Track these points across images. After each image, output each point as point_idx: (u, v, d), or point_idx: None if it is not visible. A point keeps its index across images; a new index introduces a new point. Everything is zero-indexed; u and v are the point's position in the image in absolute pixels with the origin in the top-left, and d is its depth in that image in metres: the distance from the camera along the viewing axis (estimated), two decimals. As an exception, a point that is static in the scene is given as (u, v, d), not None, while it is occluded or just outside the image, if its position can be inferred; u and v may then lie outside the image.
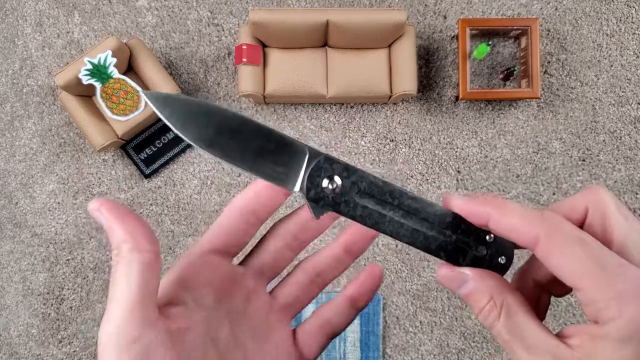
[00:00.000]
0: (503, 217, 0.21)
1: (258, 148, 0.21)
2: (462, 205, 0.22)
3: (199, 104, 0.21)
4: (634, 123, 0.86)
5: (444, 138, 0.86)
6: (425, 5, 0.87)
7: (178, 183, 0.85)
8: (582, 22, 0.86)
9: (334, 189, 0.22)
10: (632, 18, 0.86)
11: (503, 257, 0.23)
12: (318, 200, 0.22)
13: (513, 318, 0.20)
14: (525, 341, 0.20)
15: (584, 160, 0.85)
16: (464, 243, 0.23)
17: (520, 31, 0.82)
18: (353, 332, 0.82)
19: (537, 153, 0.85)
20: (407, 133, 0.86)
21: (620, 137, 0.85)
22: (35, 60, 0.86)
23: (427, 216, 0.23)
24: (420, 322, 0.83)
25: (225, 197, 0.85)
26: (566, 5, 0.87)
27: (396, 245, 0.85)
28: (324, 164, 0.22)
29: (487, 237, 0.23)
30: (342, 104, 0.86)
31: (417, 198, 0.23)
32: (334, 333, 0.26)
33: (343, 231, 0.26)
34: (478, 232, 0.23)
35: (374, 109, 0.86)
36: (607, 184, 0.85)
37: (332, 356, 0.82)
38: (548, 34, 0.86)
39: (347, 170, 0.22)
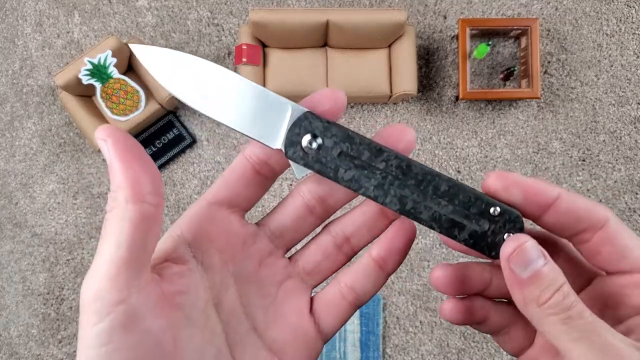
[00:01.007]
0: (574, 196, 0.20)
1: (240, 102, 0.20)
2: (527, 178, 0.20)
3: (183, 56, 0.20)
4: (634, 123, 0.86)
5: (444, 138, 0.86)
6: (425, 5, 0.87)
7: (178, 183, 0.85)
8: (582, 22, 0.86)
9: (315, 148, 0.20)
10: (632, 18, 0.86)
11: (510, 233, 0.21)
12: (298, 160, 0.21)
13: (583, 305, 0.19)
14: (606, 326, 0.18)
15: (584, 160, 0.85)
16: (463, 215, 0.21)
17: (520, 31, 0.82)
18: (353, 332, 0.82)
19: (537, 153, 0.86)
20: (407, 133, 0.86)
21: (620, 137, 0.85)
22: (35, 60, 0.86)
23: (419, 182, 0.21)
24: (420, 322, 0.83)
25: (225, 197, 0.85)
26: (566, 5, 0.87)
27: (396, 245, 0.85)
28: (305, 121, 0.20)
29: (492, 210, 0.20)
30: (342, 104, 0.86)
31: (409, 161, 0.21)
32: (358, 302, 0.22)
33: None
34: (480, 203, 0.21)
35: (374, 109, 0.86)
36: (607, 184, 0.85)
37: (332, 356, 0.82)
38: (548, 34, 0.86)
39: (329, 129, 0.21)
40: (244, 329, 0.21)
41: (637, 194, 0.85)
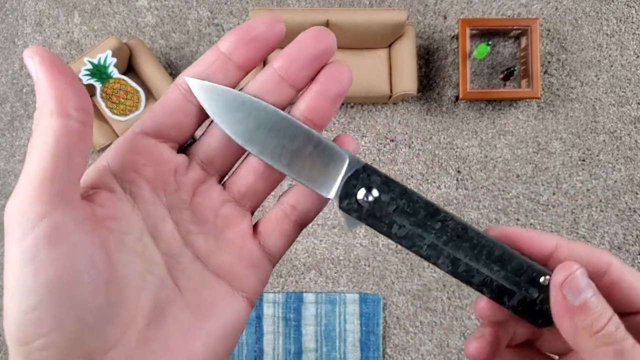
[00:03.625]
0: (572, 243, 0.20)
1: (296, 148, 0.20)
2: (525, 231, 0.21)
3: (241, 97, 0.20)
4: (634, 123, 0.86)
5: (444, 138, 0.86)
6: (425, 5, 0.87)
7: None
8: (582, 22, 0.86)
9: (370, 202, 0.20)
10: (632, 18, 0.86)
11: None
12: (352, 212, 0.21)
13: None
14: None
15: (584, 160, 0.85)
16: (513, 282, 0.21)
17: (520, 31, 0.82)
18: (353, 332, 0.82)
19: (537, 153, 0.86)
20: (407, 133, 0.86)
21: (620, 137, 0.85)
22: (35, 60, 0.86)
23: (474, 246, 0.21)
24: (421, 322, 0.83)
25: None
26: (566, 5, 0.87)
27: (396, 246, 0.85)
28: (362, 174, 0.20)
29: (542, 279, 0.20)
30: (342, 104, 0.86)
31: (464, 224, 0.21)
32: (302, 221, 0.22)
33: (302, 97, 0.21)
34: (531, 272, 0.21)
35: (374, 109, 0.86)
36: (607, 184, 0.85)
37: (332, 356, 0.82)
38: (548, 34, 0.86)
39: (387, 184, 0.21)
40: (187, 258, 0.20)
41: (637, 194, 0.85)
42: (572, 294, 0.19)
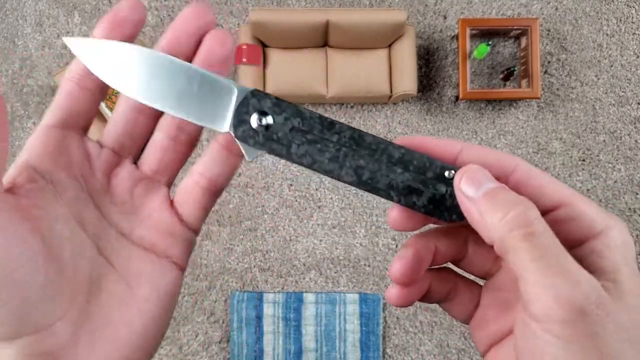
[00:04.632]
0: (477, 147, 0.21)
1: (181, 88, 0.20)
2: (431, 138, 0.21)
3: (115, 45, 0.20)
4: (634, 123, 0.86)
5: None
6: (425, 5, 0.87)
7: (177, 182, 0.85)
8: (582, 22, 0.86)
9: (264, 126, 0.20)
10: (632, 18, 0.86)
11: None
12: (248, 139, 0.21)
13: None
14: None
15: (584, 160, 0.85)
16: (419, 181, 0.21)
17: (520, 31, 0.82)
18: (353, 332, 0.82)
19: (537, 153, 0.86)
20: (407, 133, 0.86)
21: (620, 137, 0.85)
22: (35, 60, 0.86)
23: (373, 152, 0.21)
24: (420, 322, 0.83)
25: (224, 196, 0.85)
26: (566, 5, 0.87)
27: (396, 246, 0.85)
28: (252, 100, 0.20)
29: (447, 173, 0.20)
30: (342, 104, 0.86)
31: (360, 131, 0.21)
32: (213, 187, 0.23)
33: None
34: (435, 168, 0.21)
35: (374, 109, 0.86)
36: (607, 184, 0.85)
37: (332, 356, 0.82)
38: (548, 34, 0.86)
39: (278, 105, 0.20)
40: (112, 237, 0.22)
41: (637, 194, 0.85)
42: (472, 189, 0.19)
